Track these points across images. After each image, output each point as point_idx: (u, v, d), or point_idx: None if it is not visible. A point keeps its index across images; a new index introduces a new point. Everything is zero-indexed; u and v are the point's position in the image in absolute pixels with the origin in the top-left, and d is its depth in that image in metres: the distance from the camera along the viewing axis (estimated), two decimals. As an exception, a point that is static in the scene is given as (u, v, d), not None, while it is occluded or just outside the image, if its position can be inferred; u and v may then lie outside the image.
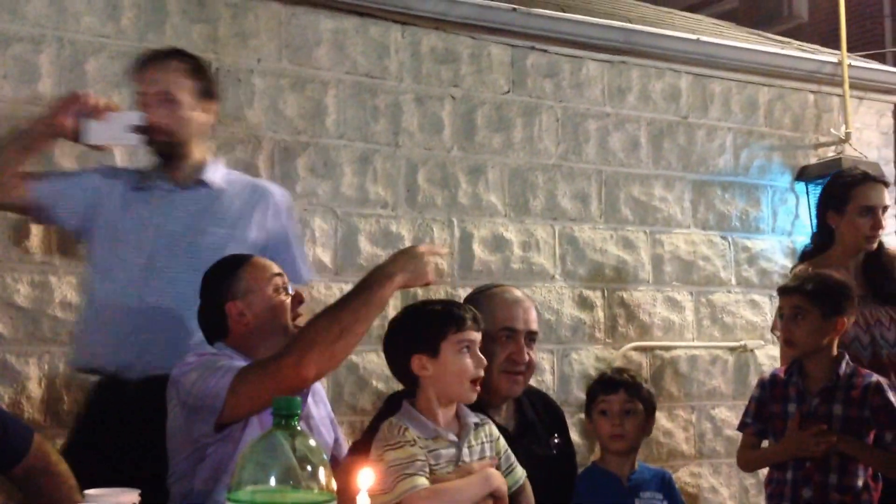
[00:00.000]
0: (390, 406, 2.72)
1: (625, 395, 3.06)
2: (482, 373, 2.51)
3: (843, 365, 3.23)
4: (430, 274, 2.64)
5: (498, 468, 2.57)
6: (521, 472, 2.65)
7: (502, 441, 2.64)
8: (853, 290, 3.33)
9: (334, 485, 1.54)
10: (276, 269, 2.80)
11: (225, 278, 2.78)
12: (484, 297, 2.97)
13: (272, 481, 1.49)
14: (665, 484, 3.09)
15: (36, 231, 3.49)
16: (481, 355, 2.51)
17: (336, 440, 2.94)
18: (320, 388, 3.05)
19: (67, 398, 3.50)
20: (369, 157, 4.15)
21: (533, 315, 2.96)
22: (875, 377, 3.25)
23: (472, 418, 2.57)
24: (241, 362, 2.55)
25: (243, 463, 1.52)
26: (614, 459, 3.07)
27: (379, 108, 4.19)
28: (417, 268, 2.61)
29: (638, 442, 3.10)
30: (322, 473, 1.51)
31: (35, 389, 3.46)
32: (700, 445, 4.86)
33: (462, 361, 2.49)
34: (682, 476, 4.79)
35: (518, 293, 3.02)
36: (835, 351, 3.27)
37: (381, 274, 2.60)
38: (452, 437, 2.49)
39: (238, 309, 2.73)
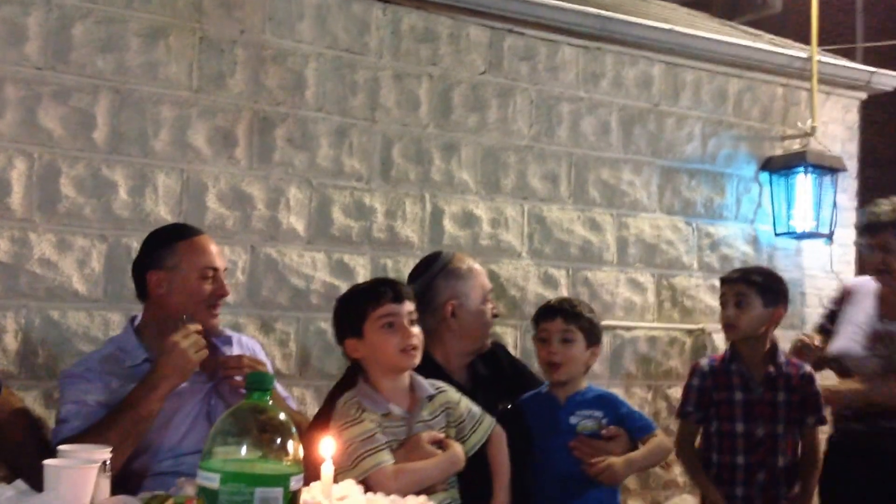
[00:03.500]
0: (349, 375, 2.83)
1: (562, 323, 3.04)
2: (413, 342, 2.58)
3: (781, 355, 3.43)
4: (193, 358, 2.70)
5: (459, 438, 2.65)
6: (489, 423, 2.74)
7: (464, 403, 2.73)
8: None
9: (301, 455, 1.65)
10: (214, 259, 2.92)
11: (159, 246, 2.92)
12: (466, 267, 3.16)
13: (243, 451, 1.59)
14: (606, 402, 3.06)
15: (17, 188, 3.56)
16: (407, 327, 2.58)
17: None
18: (255, 347, 3.19)
19: (42, 352, 3.59)
20: (346, 130, 4.23)
21: None
22: (807, 367, 3.50)
23: (427, 391, 2.64)
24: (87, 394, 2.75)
25: (215, 433, 1.62)
26: (554, 385, 3.08)
27: (358, 84, 4.27)
28: (178, 362, 2.68)
29: (576, 370, 3.06)
30: (290, 445, 1.62)
31: (11, 342, 3.54)
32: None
33: (385, 338, 2.56)
34: (635, 451, 4.94)
35: (470, 258, 3.26)
36: (768, 342, 3.45)
37: (145, 388, 2.68)
38: (404, 414, 2.57)
39: (157, 279, 2.86)
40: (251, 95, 4.03)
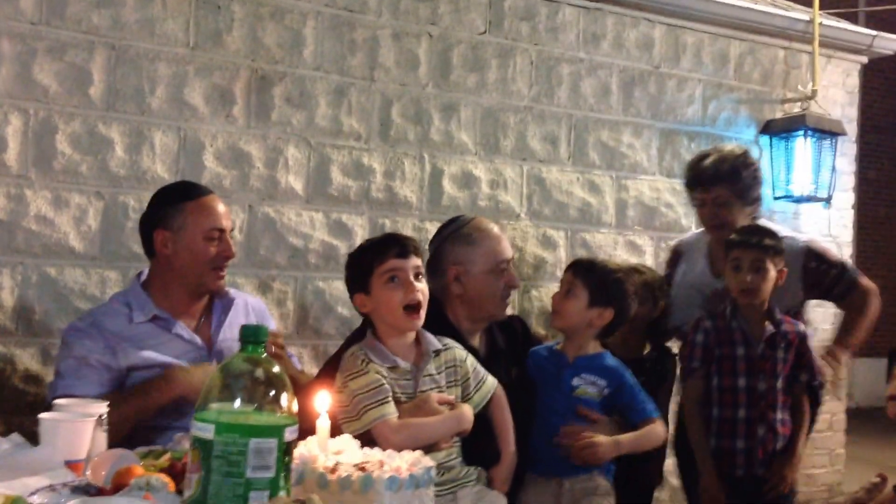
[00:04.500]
0: (360, 330, 2.83)
1: (570, 275, 3.05)
2: (416, 297, 2.58)
3: (777, 313, 3.44)
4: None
5: (465, 398, 2.67)
6: (491, 383, 2.74)
7: (470, 361, 2.73)
8: None
9: (296, 408, 1.65)
10: (220, 220, 2.90)
11: (166, 204, 2.90)
12: (476, 232, 3.09)
13: (237, 403, 1.59)
14: (612, 374, 3.02)
15: (13, 144, 3.54)
16: (412, 281, 2.58)
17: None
18: (262, 308, 3.19)
19: (39, 309, 3.58)
20: (345, 89, 4.21)
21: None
22: (801, 326, 3.52)
23: (434, 345, 2.65)
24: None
25: (210, 385, 1.62)
26: (566, 341, 3.06)
27: (356, 42, 4.23)
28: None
29: (573, 325, 3.02)
30: (284, 397, 1.61)
31: (7, 299, 3.53)
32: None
33: (389, 292, 2.57)
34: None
35: (495, 225, 3.18)
36: (767, 301, 3.46)
37: (164, 382, 2.72)
38: (410, 367, 2.58)
39: (163, 238, 2.85)
40: (249, 53, 4.00)
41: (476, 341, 3.04)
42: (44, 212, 3.60)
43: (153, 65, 3.80)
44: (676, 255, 4.02)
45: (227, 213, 2.97)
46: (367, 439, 2.26)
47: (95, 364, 2.75)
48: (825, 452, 5.70)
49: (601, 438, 2.90)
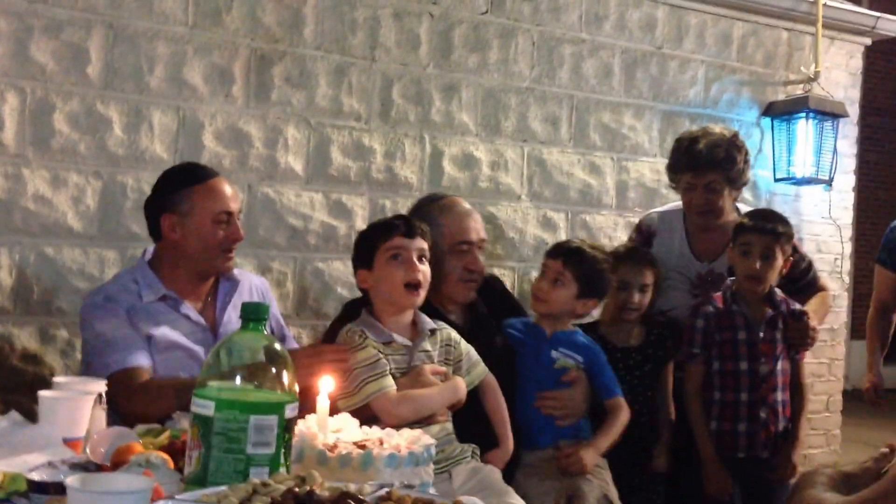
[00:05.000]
0: (348, 312, 2.83)
1: (560, 265, 3.06)
2: (417, 277, 2.60)
3: (777, 296, 3.42)
4: None
5: (458, 372, 2.69)
6: (481, 370, 2.78)
7: (464, 345, 2.76)
8: None
9: (297, 387, 1.64)
10: (228, 203, 2.86)
11: (173, 189, 2.86)
12: (436, 210, 3.08)
13: (237, 380, 1.58)
14: (587, 351, 3.10)
15: (10, 124, 3.51)
16: (415, 261, 2.60)
17: (284, 338, 3.09)
18: (265, 288, 3.18)
19: (37, 288, 3.57)
20: (345, 69, 4.18)
21: (481, 223, 3.12)
22: (798, 305, 3.50)
23: (429, 325, 2.68)
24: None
25: (210, 361, 1.61)
26: (542, 317, 3.12)
27: (357, 22, 4.20)
28: None
29: (557, 311, 3.09)
30: (285, 375, 1.60)
31: (5, 278, 3.51)
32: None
33: (391, 269, 2.60)
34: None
35: (466, 205, 3.15)
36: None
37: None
38: (405, 342, 2.61)
39: (171, 223, 2.82)
40: (248, 32, 3.96)
41: (454, 316, 3.03)
42: (41, 191, 3.58)
43: (152, 44, 3.77)
44: (648, 234, 3.83)
45: (234, 196, 2.93)
46: (363, 416, 2.26)
47: (134, 334, 2.74)
48: (822, 433, 5.71)
49: (584, 449, 2.95)
